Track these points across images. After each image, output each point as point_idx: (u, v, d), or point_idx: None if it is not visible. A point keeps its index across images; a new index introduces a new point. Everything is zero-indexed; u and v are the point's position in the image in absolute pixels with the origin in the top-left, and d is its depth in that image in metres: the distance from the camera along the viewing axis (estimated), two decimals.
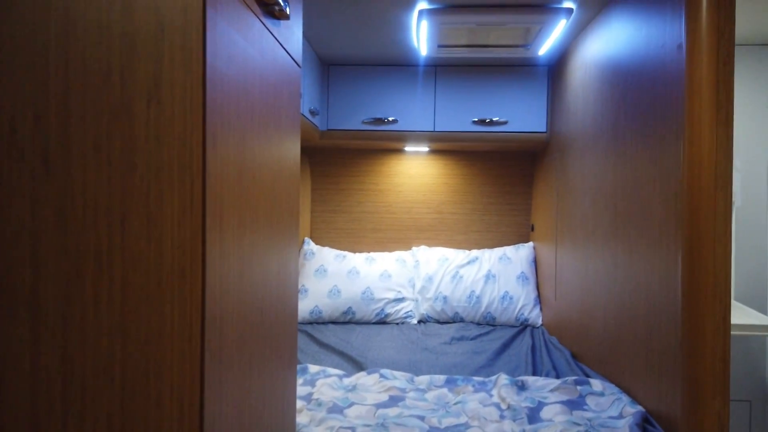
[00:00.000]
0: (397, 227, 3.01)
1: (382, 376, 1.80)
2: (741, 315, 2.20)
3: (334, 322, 2.68)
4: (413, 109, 2.59)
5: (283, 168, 0.99)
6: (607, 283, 1.76)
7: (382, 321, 2.70)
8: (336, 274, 2.75)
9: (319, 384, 1.72)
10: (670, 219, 1.32)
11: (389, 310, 2.70)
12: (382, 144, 2.76)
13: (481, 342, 2.36)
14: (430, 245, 2.99)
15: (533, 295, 2.71)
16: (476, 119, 2.57)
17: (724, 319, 1.23)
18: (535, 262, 2.81)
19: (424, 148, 2.89)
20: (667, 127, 1.34)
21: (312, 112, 2.34)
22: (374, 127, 2.60)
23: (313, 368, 1.87)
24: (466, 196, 2.99)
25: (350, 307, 2.68)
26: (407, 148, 2.90)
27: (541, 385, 1.70)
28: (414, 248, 2.95)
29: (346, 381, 1.78)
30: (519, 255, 2.82)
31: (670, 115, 1.32)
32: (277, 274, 0.96)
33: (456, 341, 2.38)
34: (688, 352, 1.23)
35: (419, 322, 2.74)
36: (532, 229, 2.94)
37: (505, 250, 2.85)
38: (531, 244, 2.88)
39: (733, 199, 2.60)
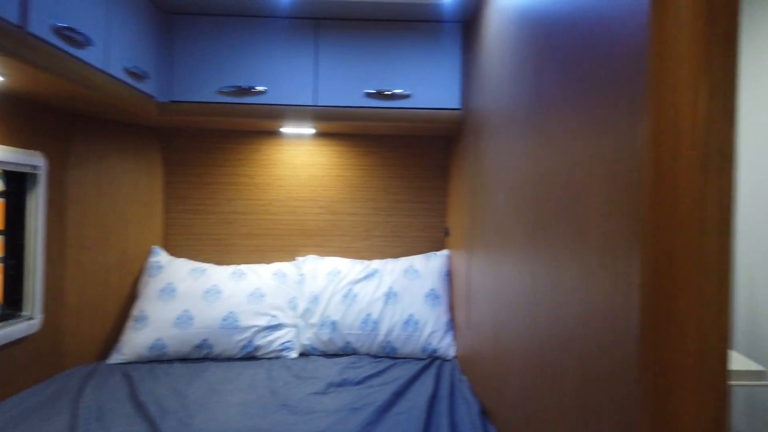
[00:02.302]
0: (279, 232, 2.36)
1: None
2: None
3: (183, 360, 2.01)
4: (288, 76, 1.95)
5: None
6: (526, 310, 1.18)
7: (249, 356, 2.05)
8: (188, 295, 2.07)
9: None
10: (620, 223, 0.74)
11: (260, 341, 2.05)
12: (250, 123, 2.11)
13: (369, 389, 1.75)
14: (322, 254, 2.36)
15: (445, 318, 2.13)
16: (371, 91, 1.96)
17: (714, 387, 0.66)
18: (450, 276, 2.24)
19: (308, 130, 2.26)
20: (613, 93, 0.76)
21: (134, 74, 1.67)
22: (236, 100, 1.94)
23: None
24: (366, 193, 2.37)
25: (206, 340, 2.01)
26: (285, 129, 2.26)
27: None
28: (299, 258, 2.31)
29: None
30: (429, 267, 2.23)
31: (619, 76, 0.75)
32: None
33: (334, 389, 1.75)
34: None
35: (301, 355, 2.11)
36: (447, 233, 2.36)
37: (412, 260, 2.26)
38: (445, 252, 2.30)
39: None
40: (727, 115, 0.64)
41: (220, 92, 1.93)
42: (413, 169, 2.37)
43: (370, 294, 2.15)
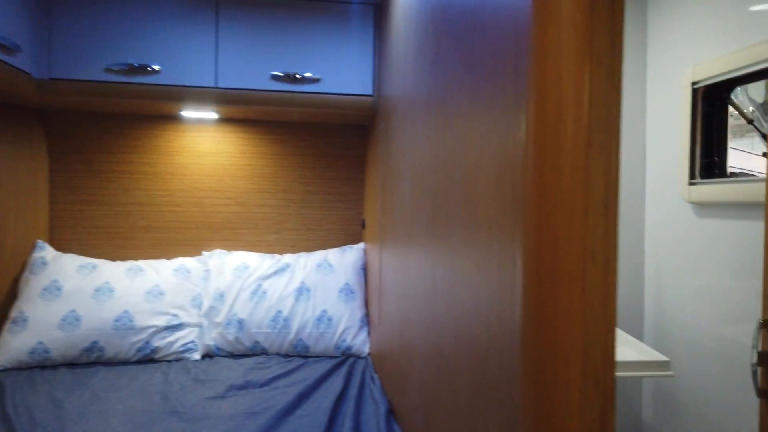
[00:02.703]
0: (183, 225, 2.19)
1: None
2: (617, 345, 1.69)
3: (70, 365, 1.82)
4: (186, 54, 1.80)
5: None
6: (426, 303, 1.11)
7: (147, 359, 1.89)
8: (75, 294, 1.88)
9: None
10: (505, 206, 0.67)
11: (158, 342, 1.89)
12: (145, 105, 1.93)
13: (273, 391, 1.64)
14: (230, 248, 2.22)
15: (359, 314, 2.04)
16: (277, 74, 1.84)
17: (598, 383, 0.60)
18: (366, 270, 2.15)
19: (211, 114, 2.10)
20: (501, 70, 0.70)
21: (2, 47, 1.46)
22: (127, 79, 1.76)
23: None
24: (278, 184, 2.25)
25: (96, 342, 1.83)
26: (186, 113, 2.09)
27: None
28: (205, 253, 2.15)
29: None
30: (344, 261, 2.14)
31: (506, 53, 0.68)
32: None
33: (235, 392, 1.63)
34: None
35: (205, 357, 1.96)
36: (363, 226, 2.27)
37: (326, 254, 2.16)
38: (362, 246, 2.22)
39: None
40: (612, 88, 0.58)
41: (108, 70, 1.75)
42: (328, 159, 2.27)
43: (280, 290, 2.03)
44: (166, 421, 1.41)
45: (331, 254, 2.16)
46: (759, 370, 1.18)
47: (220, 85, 1.81)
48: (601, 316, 0.59)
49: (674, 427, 1.79)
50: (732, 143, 1.64)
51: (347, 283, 2.08)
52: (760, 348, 1.17)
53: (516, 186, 0.64)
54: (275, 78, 1.83)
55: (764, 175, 1.48)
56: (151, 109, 2.01)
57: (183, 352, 1.93)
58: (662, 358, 1.42)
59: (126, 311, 1.88)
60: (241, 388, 1.66)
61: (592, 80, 0.58)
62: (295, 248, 2.26)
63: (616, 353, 0.60)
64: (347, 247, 2.19)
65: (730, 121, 1.63)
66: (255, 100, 1.83)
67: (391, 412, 1.46)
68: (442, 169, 0.99)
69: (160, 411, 1.47)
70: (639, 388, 1.97)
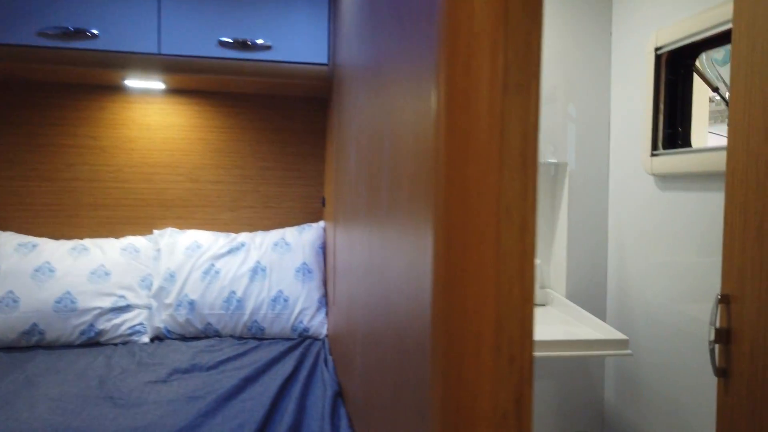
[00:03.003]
0: (132, 202, 2.08)
1: None
2: (574, 323, 1.63)
3: (8, 349, 1.72)
4: (126, 18, 1.68)
5: None
6: (365, 281, 1.04)
7: (92, 342, 1.80)
8: (13, 275, 1.77)
9: None
10: (423, 171, 0.59)
11: (103, 325, 1.80)
12: (84, 73, 1.82)
13: (220, 374, 1.56)
14: (183, 227, 2.12)
15: (317, 294, 1.97)
16: (226, 40, 1.73)
17: (513, 359, 0.53)
18: (325, 249, 2.07)
19: (158, 84, 1.99)
20: (422, 41, 0.61)
21: None
22: (62, 44, 1.64)
23: None
24: (233, 159, 2.15)
25: (35, 324, 1.73)
26: (130, 83, 1.97)
27: None
28: (156, 232, 2.05)
29: None
30: (302, 240, 2.05)
31: (423, 21, 0.59)
32: None
33: (179, 376, 1.55)
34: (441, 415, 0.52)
35: (155, 339, 1.88)
36: (323, 203, 2.19)
37: (283, 233, 2.07)
38: (321, 224, 2.14)
39: (566, 159, 2.07)
40: (530, 20, 0.50)
41: (42, 34, 1.63)
42: (286, 134, 2.17)
43: (234, 270, 1.94)
44: (98, 407, 1.32)
45: (289, 233, 2.07)
46: (717, 347, 1.13)
47: (163, 52, 1.70)
48: (517, 282, 0.52)
49: (635, 406, 1.75)
50: (713, 128, 1.58)
51: (305, 263, 2.00)
52: (717, 324, 1.12)
53: (429, 140, 0.56)
54: (223, 44, 1.73)
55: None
56: (91, 78, 1.89)
57: (131, 335, 1.84)
58: (621, 336, 1.37)
59: (68, 292, 1.78)
60: (186, 371, 1.58)
61: (508, 8, 0.50)
62: (253, 227, 2.18)
63: (534, 326, 0.53)
64: (306, 226, 2.11)
65: (711, 107, 1.57)
66: (202, 68, 1.73)
67: (340, 395, 1.40)
68: (377, 138, 0.91)
69: (93, 396, 1.38)
70: (602, 368, 1.93)
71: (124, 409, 1.32)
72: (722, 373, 1.10)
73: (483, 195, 0.51)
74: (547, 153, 1.90)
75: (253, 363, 1.64)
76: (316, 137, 2.20)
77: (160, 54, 1.70)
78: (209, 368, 1.61)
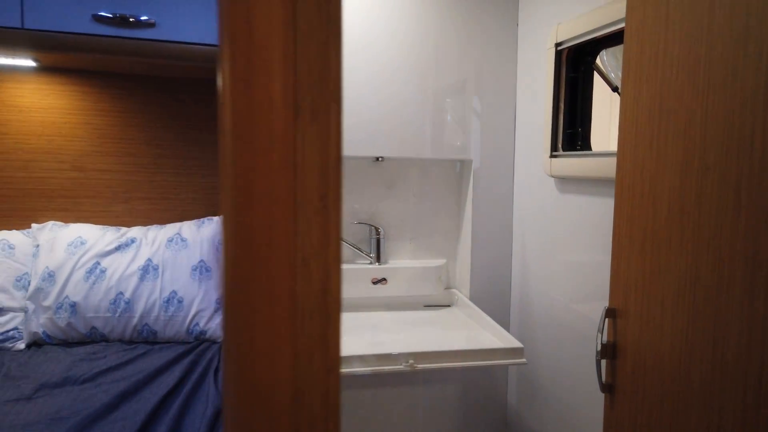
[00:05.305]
0: (7, 193, 1.87)
1: None
2: (475, 327, 1.58)
3: None
4: None
5: None
6: None
7: None
8: None
9: None
10: None
11: None
12: None
13: (96, 388, 1.42)
14: (68, 220, 1.93)
15: (216, 295, 1.84)
16: (102, 14, 1.54)
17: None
18: None
19: (27, 62, 1.77)
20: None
21: None
22: None
23: None
24: (124, 146, 1.96)
25: None
26: None
27: None
28: (35, 226, 1.85)
29: None
30: (201, 235, 1.91)
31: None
32: None
33: (47, 391, 1.39)
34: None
35: (31, 345, 1.70)
36: None
37: (180, 227, 1.92)
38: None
39: (470, 156, 2.01)
40: (325, 23, 0.40)
41: None
42: (183, 119, 2.00)
43: (122, 269, 1.78)
44: None
45: (186, 227, 1.92)
46: (604, 362, 1.10)
47: (27, 26, 1.49)
48: (318, 349, 0.43)
49: (533, 410, 1.74)
50: None
51: (202, 260, 1.86)
52: (605, 339, 1.09)
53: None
54: (99, 20, 1.53)
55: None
56: None
57: (3, 341, 1.67)
58: (517, 344, 1.33)
59: None
60: (56, 386, 1.43)
61: (296, 9, 0.39)
62: (150, 220, 2.00)
63: (340, 400, 0.44)
64: (206, 219, 1.96)
65: None
66: (74, 45, 1.53)
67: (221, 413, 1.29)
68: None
69: None
70: (506, 372, 1.91)
71: None
72: (608, 388, 1.06)
73: (273, 246, 0.41)
74: (452, 149, 1.82)
75: (135, 374, 1.50)
76: (216, 124, 2.03)
77: (23, 28, 1.49)
78: (84, 381, 1.46)
